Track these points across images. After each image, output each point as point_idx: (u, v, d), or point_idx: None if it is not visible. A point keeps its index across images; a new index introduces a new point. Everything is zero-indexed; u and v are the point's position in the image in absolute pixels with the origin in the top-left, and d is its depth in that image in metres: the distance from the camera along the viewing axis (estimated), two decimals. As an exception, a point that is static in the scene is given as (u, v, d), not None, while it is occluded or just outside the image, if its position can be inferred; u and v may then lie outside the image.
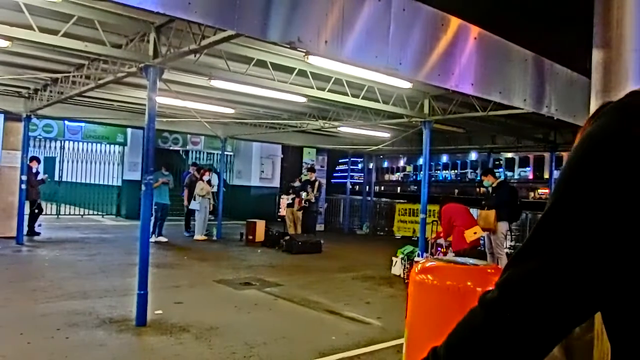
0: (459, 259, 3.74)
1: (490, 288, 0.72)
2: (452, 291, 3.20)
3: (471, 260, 3.66)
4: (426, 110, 9.42)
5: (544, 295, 0.66)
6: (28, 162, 11.02)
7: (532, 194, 30.30)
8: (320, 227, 15.49)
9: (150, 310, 5.56)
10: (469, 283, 3.22)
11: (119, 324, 5.37)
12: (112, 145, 17.31)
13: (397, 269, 8.95)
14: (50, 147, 17.92)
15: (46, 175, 12.46)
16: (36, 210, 11.72)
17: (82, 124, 15.86)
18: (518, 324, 0.67)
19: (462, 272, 3.33)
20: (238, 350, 4.77)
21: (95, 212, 17.33)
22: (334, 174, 31.24)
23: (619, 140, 0.65)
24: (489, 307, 0.70)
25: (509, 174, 33.24)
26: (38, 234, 11.65)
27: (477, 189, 30.17)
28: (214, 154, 19.17)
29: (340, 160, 29.15)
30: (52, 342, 4.80)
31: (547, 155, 17.62)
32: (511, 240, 12.81)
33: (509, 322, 0.67)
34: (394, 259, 9.18)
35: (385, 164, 46.19)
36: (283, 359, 4.66)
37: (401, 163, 45.76)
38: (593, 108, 2.70)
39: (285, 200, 13.16)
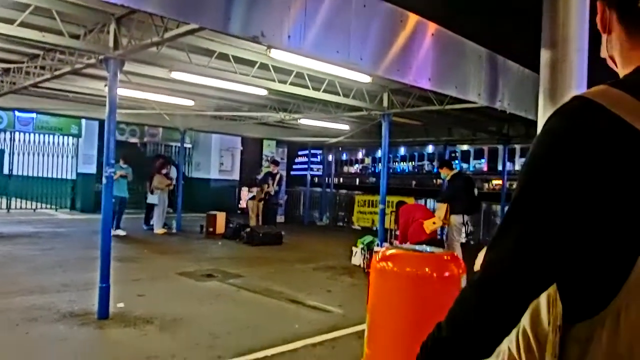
0: (418, 247, 3.92)
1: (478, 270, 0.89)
2: (411, 277, 3.38)
3: (429, 248, 3.85)
4: (385, 103, 9.61)
5: (516, 270, 0.82)
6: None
7: (486, 185, 31.23)
8: (280, 218, 15.56)
9: (112, 304, 5.53)
10: (426, 269, 3.40)
11: (81, 318, 5.33)
12: (65, 137, 16.83)
13: (357, 259, 9.11)
14: (-2, 139, 17.26)
15: None
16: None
17: (34, 115, 15.34)
18: (498, 295, 0.83)
19: (421, 259, 3.51)
20: (202, 341, 4.83)
21: (49, 206, 16.83)
22: (294, 166, 31.27)
23: (565, 138, 0.81)
24: (475, 286, 0.87)
25: (465, 165, 34.13)
26: None
27: (434, 181, 30.88)
28: (172, 146, 18.91)
29: (300, 152, 29.18)
30: (11, 337, 4.73)
31: (500, 147, 18.20)
32: (467, 233, 13.18)
33: (491, 295, 0.84)
34: (354, 249, 9.33)
35: (344, 157, 46.54)
36: (247, 347, 4.75)
37: (360, 155, 46.19)
38: (541, 104, 2.91)
39: (246, 192, 13.16)
